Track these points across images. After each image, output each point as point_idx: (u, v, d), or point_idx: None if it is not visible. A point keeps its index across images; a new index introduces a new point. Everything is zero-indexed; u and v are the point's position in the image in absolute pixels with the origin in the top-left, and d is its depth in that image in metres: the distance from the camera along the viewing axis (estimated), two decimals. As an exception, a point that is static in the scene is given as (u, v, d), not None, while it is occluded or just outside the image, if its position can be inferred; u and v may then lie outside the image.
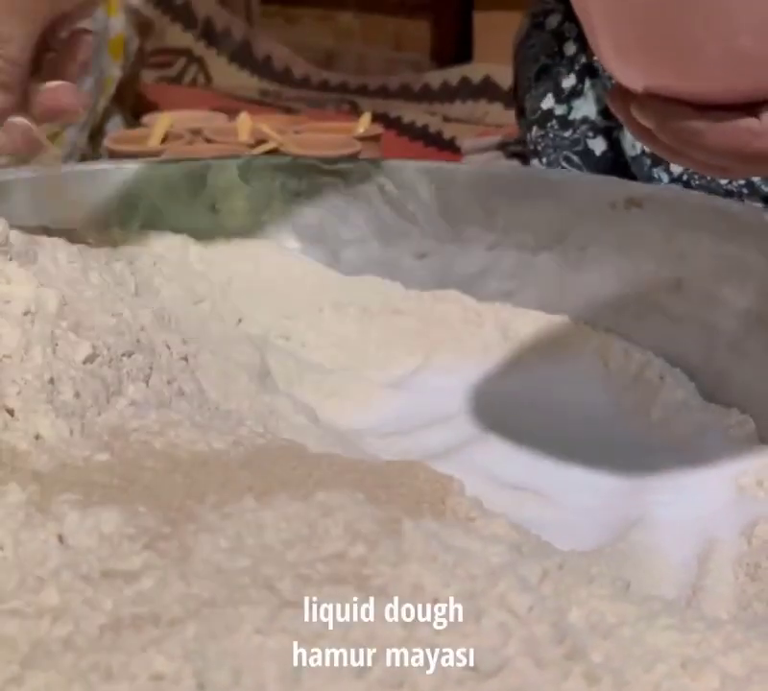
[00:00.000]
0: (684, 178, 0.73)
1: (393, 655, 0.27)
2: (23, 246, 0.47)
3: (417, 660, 0.27)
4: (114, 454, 0.32)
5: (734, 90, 0.35)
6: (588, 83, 0.81)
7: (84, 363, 0.37)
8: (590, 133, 0.81)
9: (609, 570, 0.42)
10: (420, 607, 0.28)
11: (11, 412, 0.33)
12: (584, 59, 0.81)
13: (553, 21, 0.83)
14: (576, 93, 0.82)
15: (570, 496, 0.49)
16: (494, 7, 1.60)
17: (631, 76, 0.37)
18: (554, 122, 0.82)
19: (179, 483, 0.31)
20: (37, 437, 0.32)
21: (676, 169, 0.73)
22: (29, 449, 0.32)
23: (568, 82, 0.82)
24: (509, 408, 0.58)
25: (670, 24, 0.34)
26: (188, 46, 1.83)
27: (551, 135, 0.82)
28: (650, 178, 0.74)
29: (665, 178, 0.74)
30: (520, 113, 0.88)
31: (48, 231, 0.54)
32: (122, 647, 0.25)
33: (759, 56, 0.34)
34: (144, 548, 0.28)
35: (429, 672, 0.27)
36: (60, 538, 0.28)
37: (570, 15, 0.81)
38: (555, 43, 0.83)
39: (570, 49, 0.82)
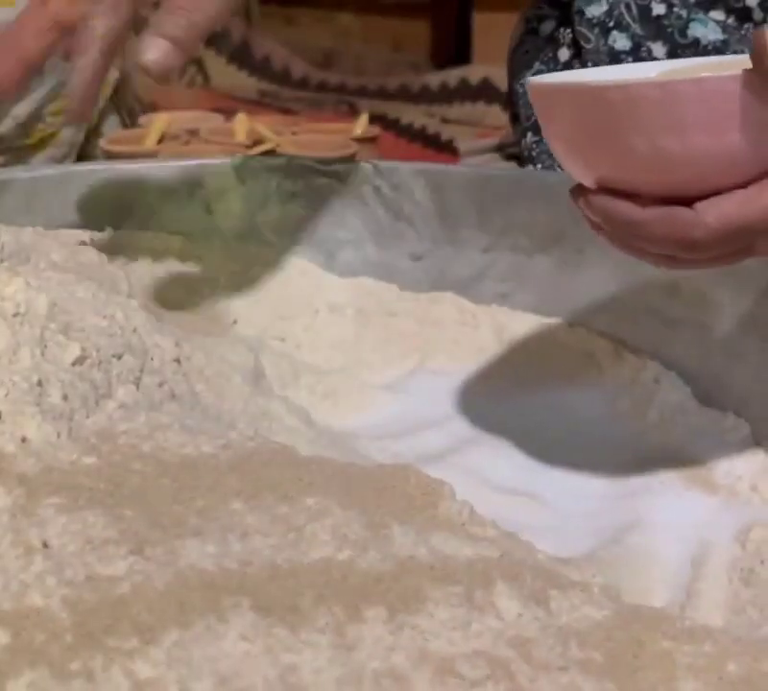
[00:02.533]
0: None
1: (381, 660, 0.26)
2: (15, 246, 0.47)
3: (406, 667, 0.27)
4: (102, 457, 0.32)
5: (665, 185, 0.38)
6: None
7: (73, 365, 0.37)
8: None
9: (602, 575, 0.42)
10: (408, 612, 0.28)
11: (-2, 414, 0.33)
12: (578, 66, 0.80)
13: (547, 27, 0.83)
14: None
15: (564, 500, 0.49)
16: (494, 8, 1.60)
17: (580, 174, 0.41)
18: None
19: (166, 487, 0.31)
20: (24, 439, 0.32)
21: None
22: (15, 452, 0.31)
23: (562, 87, 0.82)
24: (503, 411, 0.58)
25: (604, 128, 0.38)
26: (187, 46, 1.83)
27: (545, 142, 0.82)
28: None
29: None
30: (514, 119, 0.88)
31: (42, 232, 0.54)
32: (105, 653, 0.25)
33: (679, 154, 0.37)
34: (130, 553, 0.27)
35: (419, 678, 0.26)
36: (45, 543, 0.27)
37: (564, 21, 0.81)
38: (549, 49, 0.82)
39: (564, 55, 0.82)
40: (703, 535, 0.46)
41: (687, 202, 0.38)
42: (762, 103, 0.37)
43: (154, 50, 0.47)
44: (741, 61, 0.38)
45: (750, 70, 0.37)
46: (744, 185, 0.38)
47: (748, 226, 0.38)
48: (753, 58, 0.37)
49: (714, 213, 0.38)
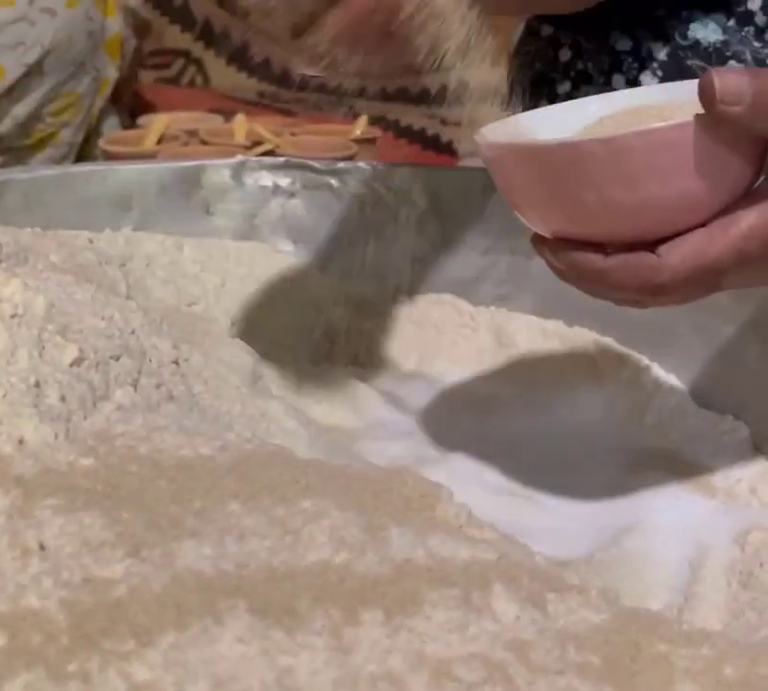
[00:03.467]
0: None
1: (378, 663, 0.26)
2: (14, 247, 0.47)
3: (403, 669, 0.26)
4: (99, 459, 0.32)
5: (622, 234, 0.38)
6: (583, 90, 0.81)
7: (71, 366, 0.37)
8: None
9: (600, 578, 0.41)
10: (405, 615, 0.27)
11: (-5, 415, 0.33)
12: (579, 66, 0.80)
13: (548, 28, 0.83)
14: (571, 99, 0.81)
15: (562, 502, 0.49)
16: (493, 10, 1.60)
17: (537, 227, 0.41)
18: None
19: (163, 488, 0.31)
20: (21, 441, 0.32)
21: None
22: (12, 453, 0.31)
23: (563, 88, 0.82)
24: (502, 413, 0.57)
25: (554, 185, 0.39)
26: (187, 47, 1.83)
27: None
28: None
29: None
30: (514, 122, 0.88)
31: (40, 233, 0.54)
32: (102, 655, 0.25)
33: (633, 205, 0.37)
34: (126, 555, 0.27)
35: (416, 681, 0.26)
36: (42, 545, 0.27)
37: (564, 23, 0.81)
38: (550, 50, 0.82)
39: (565, 55, 0.82)
40: (701, 537, 0.46)
41: (650, 246, 0.38)
42: (716, 145, 0.37)
43: None
44: (677, 105, 0.39)
45: (701, 115, 0.37)
46: (705, 224, 0.38)
47: (712, 265, 0.38)
48: (703, 102, 0.36)
49: (677, 256, 0.38)
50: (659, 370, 0.59)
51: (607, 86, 0.76)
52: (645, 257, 0.38)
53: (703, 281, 0.39)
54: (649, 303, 0.41)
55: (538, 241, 0.41)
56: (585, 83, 0.80)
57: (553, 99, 0.81)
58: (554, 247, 0.40)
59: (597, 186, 0.37)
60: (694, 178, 0.37)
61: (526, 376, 0.61)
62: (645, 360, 0.60)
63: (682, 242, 0.38)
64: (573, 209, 0.39)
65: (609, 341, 0.62)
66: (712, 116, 0.36)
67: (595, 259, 0.39)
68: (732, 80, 0.36)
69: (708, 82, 0.36)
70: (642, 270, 0.38)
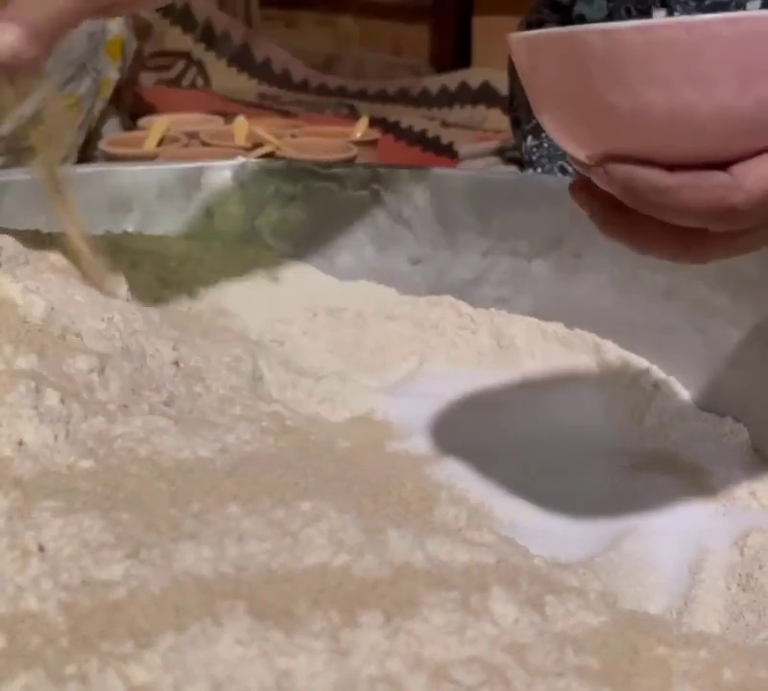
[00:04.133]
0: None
1: (376, 666, 0.26)
2: (14, 249, 0.47)
3: (401, 672, 0.26)
4: (98, 461, 0.32)
5: (688, 149, 0.34)
6: None
7: (71, 368, 0.37)
8: None
9: (599, 581, 0.41)
10: (404, 617, 0.27)
11: (-5, 417, 0.33)
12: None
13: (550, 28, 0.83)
14: None
15: (562, 505, 0.49)
16: (494, 12, 1.61)
17: (585, 144, 0.35)
18: None
19: (163, 490, 0.31)
20: (21, 442, 0.32)
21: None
22: (12, 455, 0.31)
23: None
24: (502, 415, 0.57)
25: (586, 85, 0.33)
26: (187, 49, 1.84)
27: (546, 145, 0.82)
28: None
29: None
30: (515, 123, 0.88)
31: (40, 234, 0.54)
32: (100, 657, 0.25)
33: (706, 112, 0.32)
34: (125, 557, 0.27)
35: (414, 684, 0.26)
36: (41, 546, 0.27)
37: (565, 25, 0.81)
38: None
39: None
40: (701, 540, 0.46)
41: (720, 166, 0.34)
42: None
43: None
44: None
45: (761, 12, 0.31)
46: None
47: None
48: None
49: (754, 176, 0.33)
50: (659, 373, 0.59)
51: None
52: (717, 176, 0.34)
53: None
54: (711, 249, 0.36)
55: (581, 185, 0.36)
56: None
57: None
58: (612, 165, 0.34)
59: (667, 83, 0.31)
60: (753, 87, 0.31)
61: (526, 378, 0.61)
62: (645, 362, 0.60)
63: (759, 162, 0.33)
64: (636, 116, 0.32)
65: (608, 343, 0.62)
66: None
67: (658, 176, 0.34)
68: None
69: None
70: (714, 189, 0.33)
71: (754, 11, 0.31)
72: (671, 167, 0.34)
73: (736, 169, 0.34)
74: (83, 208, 0.64)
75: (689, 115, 0.32)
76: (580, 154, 0.36)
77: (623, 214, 0.37)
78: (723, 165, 0.34)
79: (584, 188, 0.37)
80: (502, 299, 0.65)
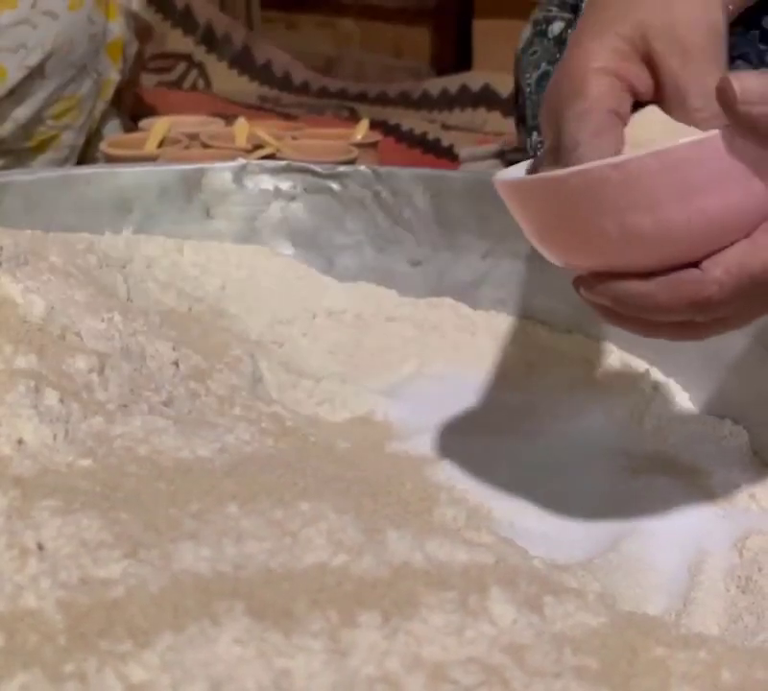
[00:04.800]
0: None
1: (375, 666, 0.26)
2: (14, 249, 0.47)
3: (399, 672, 0.26)
4: (97, 460, 0.32)
5: (661, 259, 0.37)
6: None
7: (71, 368, 0.37)
8: None
9: (598, 582, 0.41)
10: (403, 617, 0.27)
11: (-6, 416, 0.33)
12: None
13: (556, 28, 0.83)
14: None
15: (561, 506, 0.49)
16: (494, 15, 1.61)
17: (572, 265, 0.39)
18: None
19: (161, 490, 0.31)
20: (20, 441, 0.32)
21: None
22: (11, 454, 0.31)
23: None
24: (501, 416, 0.57)
25: (572, 218, 0.37)
26: (188, 51, 1.84)
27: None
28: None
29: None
30: (521, 120, 0.88)
31: (41, 235, 0.54)
32: (99, 656, 0.25)
33: (679, 226, 0.36)
34: (124, 556, 0.27)
35: (413, 684, 0.26)
36: (40, 545, 0.27)
37: (572, 23, 0.82)
38: (557, 50, 0.83)
39: (571, 56, 0.82)
40: (700, 542, 0.46)
41: (695, 264, 0.37)
42: (745, 153, 0.35)
43: None
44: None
45: (725, 126, 0.35)
46: (748, 234, 0.36)
47: (761, 274, 0.36)
48: (723, 105, 0.35)
49: (721, 267, 0.36)
50: (658, 375, 0.59)
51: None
52: (688, 274, 0.37)
53: (756, 294, 0.37)
54: (705, 326, 0.39)
55: (577, 283, 0.39)
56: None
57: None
58: (594, 282, 0.38)
59: (619, 213, 0.36)
60: (725, 194, 0.35)
61: (525, 380, 0.61)
62: (645, 364, 0.60)
63: (724, 254, 0.36)
64: (600, 241, 0.37)
65: (608, 345, 0.62)
66: (735, 119, 0.35)
67: (636, 285, 0.37)
68: (750, 80, 0.34)
69: (725, 85, 0.34)
70: (687, 285, 0.36)
71: (672, 143, 0.35)
72: (646, 274, 0.37)
73: (705, 264, 0.37)
74: (83, 209, 0.64)
75: (650, 233, 0.36)
76: (572, 269, 0.40)
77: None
78: (695, 263, 0.37)
79: (581, 284, 0.40)
80: (502, 301, 0.65)
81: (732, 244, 0.37)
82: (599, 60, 0.40)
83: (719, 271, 0.36)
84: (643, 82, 0.40)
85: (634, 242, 0.36)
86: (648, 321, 0.39)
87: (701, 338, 0.40)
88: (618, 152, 0.38)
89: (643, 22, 0.40)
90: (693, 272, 0.37)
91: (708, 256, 0.37)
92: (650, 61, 0.40)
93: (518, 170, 0.43)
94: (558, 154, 0.39)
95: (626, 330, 0.40)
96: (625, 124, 0.39)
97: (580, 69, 0.40)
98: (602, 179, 0.35)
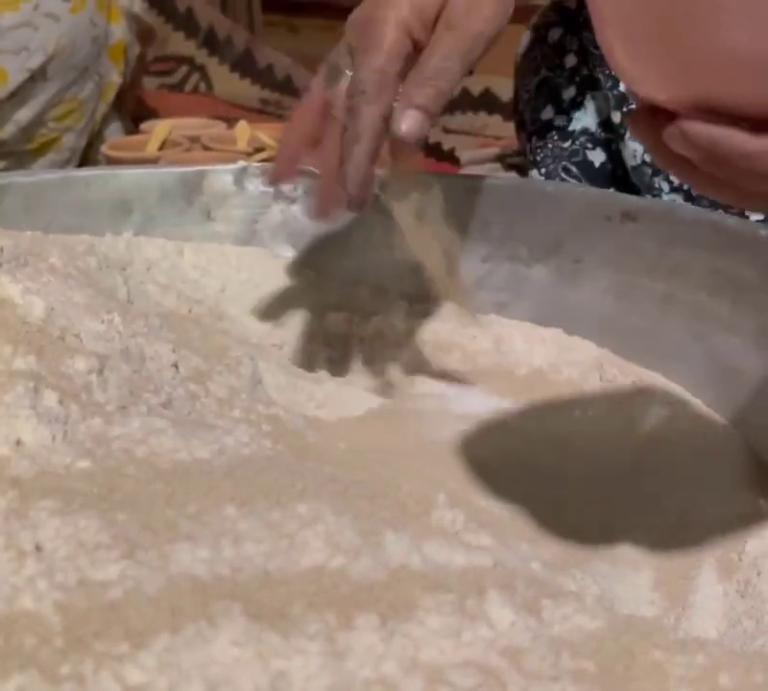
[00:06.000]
0: (685, 187, 0.73)
1: (372, 668, 0.26)
2: (15, 251, 0.47)
3: (397, 675, 0.26)
4: (96, 461, 0.32)
5: None
6: (588, 96, 0.81)
7: (70, 369, 0.37)
8: (590, 145, 0.81)
9: (596, 585, 0.41)
10: (400, 620, 0.27)
11: (-8, 417, 0.33)
12: (585, 72, 0.81)
13: (555, 34, 0.84)
14: (576, 104, 0.82)
15: (559, 509, 0.49)
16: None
17: (661, 88, 0.30)
18: (553, 133, 0.82)
19: (159, 491, 0.31)
20: (19, 442, 0.32)
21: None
22: (9, 455, 0.31)
23: (568, 93, 0.82)
24: (500, 419, 0.57)
25: (696, 21, 0.28)
26: (190, 54, 1.84)
27: (550, 146, 0.82)
28: (651, 188, 0.74)
29: (666, 187, 0.74)
30: (520, 125, 0.88)
31: (41, 237, 0.54)
32: (95, 657, 0.25)
33: None
34: (121, 557, 0.27)
35: (410, 687, 0.26)
36: (37, 546, 0.27)
37: (572, 29, 0.82)
38: (556, 56, 0.83)
39: (571, 61, 0.82)
40: (699, 546, 0.46)
41: None
42: None
43: (408, 121, 0.49)
44: None
45: None
46: None
47: None
48: None
49: None
50: (657, 378, 0.59)
51: (614, 92, 0.76)
52: None
53: None
54: None
55: (647, 119, 0.32)
56: (590, 89, 0.80)
57: (558, 105, 0.82)
58: (686, 123, 0.30)
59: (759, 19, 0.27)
60: None
61: (524, 384, 0.61)
62: (644, 368, 0.60)
63: None
64: (724, 55, 0.28)
65: (607, 349, 0.62)
66: None
67: (740, 138, 0.30)
68: None
69: None
70: None
71: None
72: (758, 127, 0.30)
73: None
74: (83, 211, 0.64)
75: None
76: (659, 95, 0.30)
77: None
78: None
79: (646, 121, 0.32)
80: (501, 305, 0.65)
81: None
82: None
83: None
84: None
85: (762, 65, 0.27)
86: (738, 183, 0.32)
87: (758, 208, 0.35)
88: None
89: None
90: None
91: None
92: None
93: None
94: None
95: (679, 176, 0.34)
96: None
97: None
98: None
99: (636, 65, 0.30)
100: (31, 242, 0.51)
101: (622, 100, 0.76)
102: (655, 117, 0.31)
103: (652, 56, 0.30)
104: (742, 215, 0.63)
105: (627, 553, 0.45)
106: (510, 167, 1.09)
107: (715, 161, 0.31)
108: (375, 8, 0.51)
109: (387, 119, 0.49)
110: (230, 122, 1.08)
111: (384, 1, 0.51)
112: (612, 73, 0.76)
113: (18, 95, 1.02)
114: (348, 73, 0.49)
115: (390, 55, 0.49)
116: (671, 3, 0.28)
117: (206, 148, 0.96)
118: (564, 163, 0.81)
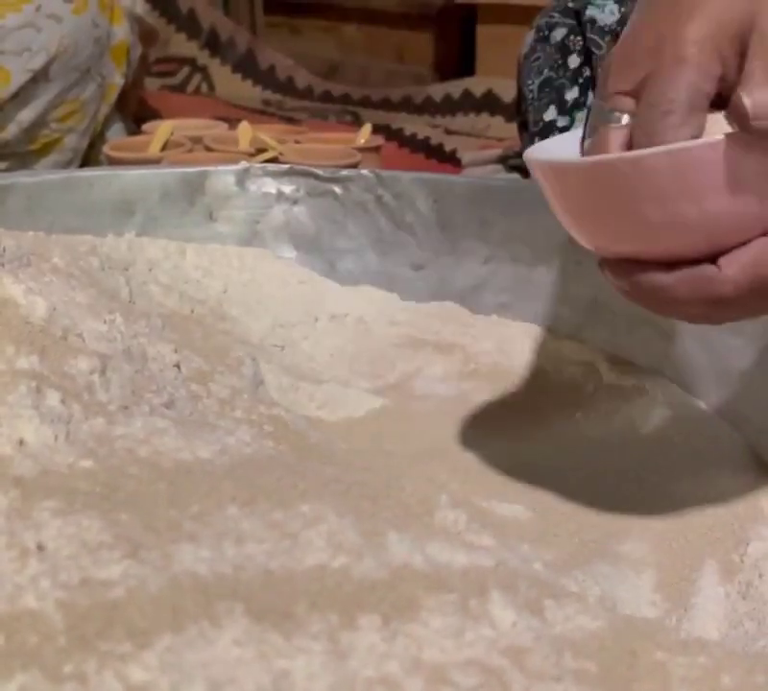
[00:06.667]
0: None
1: (374, 668, 0.26)
2: (17, 251, 0.47)
3: (399, 674, 0.26)
4: (98, 461, 0.32)
5: (683, 249, 0.37)
6: (590, 96, 0.81)
7: (72, 369, 0.37)
8: None
9: (598, 585, 0.41)
10: (402, 620, 0.27)
11: (-5, 417, 0.33)
12: (587, 73, 0.81)
13: (558, 35, 0.84)
14: (579, 105, 0.82)
15: (561, 509, 0.49)
16: (497, 21, 1.61)
17: (596, 247, 0.40)
18: (556, 133, 0.82)
19: (162, 491, 0.31)
20: (21, 442, 0.32)
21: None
22: (12, 454, 0.31)
23: (571, 94, 0.83)
24: (501, 420, 0.57)
25: (616, 201, 0.37)
26: (192, 55, 1.84)
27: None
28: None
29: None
30: (523, 126, 0.89)
31: (44, 237, 0.54)
32: (98, 656, 0.25)
33: (695, 219, 0.36)
34: (124, 557, 0.27)
35: (412, 686, 0.26)
36: (40, 545, 0.27)
37: (575, 29, 0.82)
38: (559, 56, 0.83)
39: (574, 62, 0.83)
40: (701, 547, 0.46)
41: (712, 259, 0.37)
42: (749, 161, 0.35)
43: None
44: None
45: (733, 133, 0.35)
46: (765, 233, 0.37)
47: None
48: (737, 122, 0.35)
49: (737, 266, 0.37)
50: (659, 379, 0.59)
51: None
52: (705, 270, 0.37)
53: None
54: (717, 318, 0.39)
55: (601, 264, 0.40)
56: (593, 90, 0.80)
57: (561, 105, 0.82)
58: (616, 268, 0.39)
59: (661, 200, 0.36)
60: (747, 193, 0.36)
61: (526, 384, 0.61)
62: (646, 369, 0.60)
63: (741, 252, 0.37)
64: (639, 227, 0.37)
65: (609, 350, 0.62)
66: (751, 134, 0.35)
67: (657, 276, 0.38)
68: (761, 95, 0.35)
69: (738, 104, 0.35)
70: (703, 282, 0.37)
71: (688, 143, 0.36)
72: (670, 265, 0.37)
73: (722, 261, 0.37)
74: (86, 211, 0.64)
75: (684, 223, 0.36)
76: (596, 251, 0.40)
77: None
78: (716, 258, 0.37)
79: (604, 264, 0.40)
80: (503, 306, 0.65)
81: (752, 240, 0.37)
82: (700, 33, 0.37)
83: (734, 269, 0.37)
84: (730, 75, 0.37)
85: (676, 228, 0.36)
86: (663, 308, 0.39)
87: (717, 323, 0.40)
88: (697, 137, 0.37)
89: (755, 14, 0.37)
90: (710, 269, 0.37)
91: (731, 250, 0.37)
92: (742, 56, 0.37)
93: (549, 147, 0.42)
94: (635, 112, 0.38)
95: (643, 306, 0.41)
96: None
97: (678, 34, 0.37)
98: (652, 167, 0.35)
99: (580, 231, 0.40)
100: (33, 242, 0.51)
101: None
102: (607, 263, 0.40)
103: (594, 231, 0.39)
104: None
105: (628, 554, 0.45)
106: (512, 168, 1.09)
107: (639, 290, 0.39)
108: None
109: None
110: (232, 123, 1.08)
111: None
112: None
113: (21, 96, 1.02)
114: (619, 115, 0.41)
115: (700, 71, 0.39)
116: (608, 200, 0.37)
117: (208, 148, 0.96)
118: None
